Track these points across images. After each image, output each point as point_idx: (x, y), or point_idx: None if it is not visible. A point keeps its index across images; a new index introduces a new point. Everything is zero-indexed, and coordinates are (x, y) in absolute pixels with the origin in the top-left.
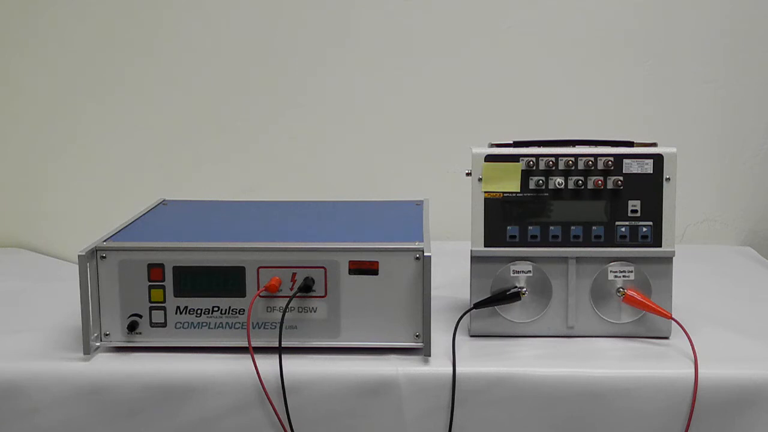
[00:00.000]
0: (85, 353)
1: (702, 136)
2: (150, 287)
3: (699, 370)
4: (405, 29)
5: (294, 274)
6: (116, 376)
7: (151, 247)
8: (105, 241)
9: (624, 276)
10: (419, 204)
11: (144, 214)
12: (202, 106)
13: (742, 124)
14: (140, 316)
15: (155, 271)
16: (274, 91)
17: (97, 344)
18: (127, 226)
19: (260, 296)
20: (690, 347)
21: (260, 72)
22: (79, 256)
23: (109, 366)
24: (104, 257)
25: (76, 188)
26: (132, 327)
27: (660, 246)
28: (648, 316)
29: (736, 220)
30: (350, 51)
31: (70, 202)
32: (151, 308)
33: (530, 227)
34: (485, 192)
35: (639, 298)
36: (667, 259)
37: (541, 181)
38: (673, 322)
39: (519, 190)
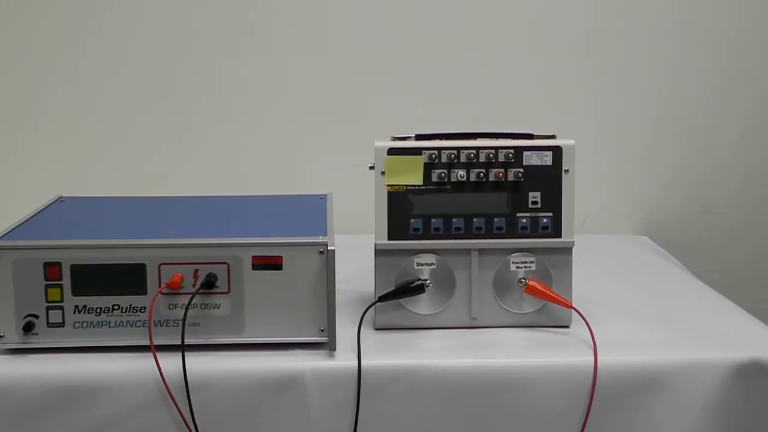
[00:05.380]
0: None
1: (596, 127)
2: (47, 286)
3: (598, 357)
4: (311, 17)
5: (196, 271)
6: (13, 379)
7: (47, 245)
8: None
9: (526, 267)
10: (323, 198)
11: (39, 212)
12: (101, 101)
13: (632, 115)
14: (36, 317)
15: (52, 270)
16: (174, 83)
17: None
18: (21, 224)
19: (162, 293)
20: (590, 335)
21: (165, 65)
22: None
23: (4, 369)
24: None
25: None
26: (28, 327)
27: (560, 237)
28: (549, 306)
29: (632, 211)
30: (252, 40)
31: None
32: (48, 308)
33: (433, 220)
34: (388, 185)
35: (540, 288)
36: (567, 250)
37: (443, 174)
38: (573, 311)
39: (422, 183)
